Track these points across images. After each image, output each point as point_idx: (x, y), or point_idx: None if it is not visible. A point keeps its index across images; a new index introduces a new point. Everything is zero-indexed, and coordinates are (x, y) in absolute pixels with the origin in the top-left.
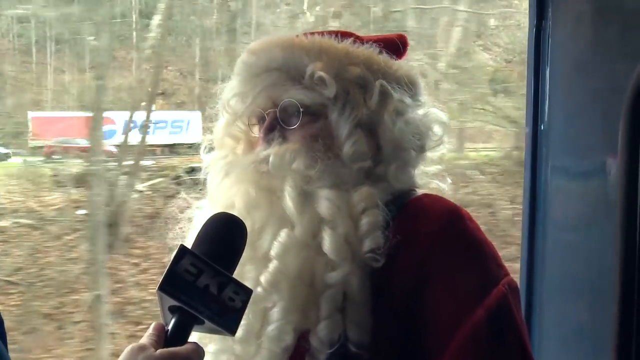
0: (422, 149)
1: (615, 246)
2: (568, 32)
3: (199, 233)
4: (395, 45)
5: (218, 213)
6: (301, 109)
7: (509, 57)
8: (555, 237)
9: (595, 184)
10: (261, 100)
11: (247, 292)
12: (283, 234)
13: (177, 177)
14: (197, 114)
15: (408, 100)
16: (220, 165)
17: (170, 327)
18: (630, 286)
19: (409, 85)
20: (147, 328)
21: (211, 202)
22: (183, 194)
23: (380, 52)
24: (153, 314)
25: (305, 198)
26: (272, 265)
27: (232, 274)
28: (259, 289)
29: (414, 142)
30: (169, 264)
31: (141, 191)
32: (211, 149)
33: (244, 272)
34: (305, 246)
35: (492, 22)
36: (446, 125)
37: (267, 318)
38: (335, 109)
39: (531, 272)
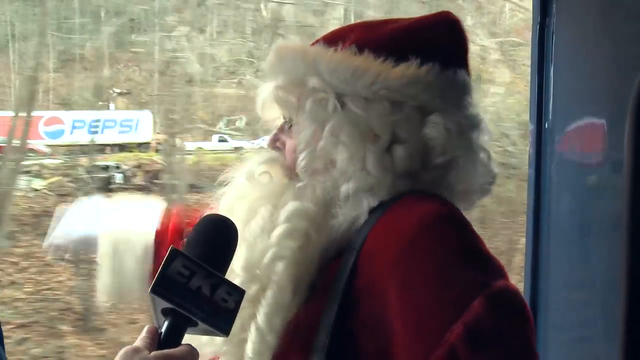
0: (408, 164)
1: (621, 244)
2: (572, 30)
3: (190, 235)
4: (423, 32)
5: (208, 215)
6: (284, 120)
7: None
8: (560, 236)
9: (600, 182)
10: (271, 110)
11: (239, 293)
12: None
13: (77, 175)
14: (147, 114)
15: (367, 112)
16: None
17: (163, 329)
18: (637, 286)
19: (406, 90)
20: (12, 328)
21: None
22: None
23: (360, 53)
24: (24, 313)
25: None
26: None
27: (224, 275)
28: None
29: (388, 159)
30: (160, 267)
31: (37, 190)
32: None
33: None
34: None
35: (469, 19)
36: (451, 134)
37: None
38: (299, 121)
39: (536, 272)
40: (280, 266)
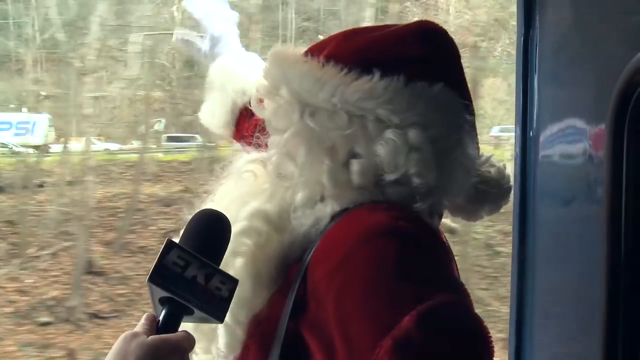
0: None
1: (602, 246)
2: (555, 41)
3: (185, 228)
4: (392, 44)
5: (203, 209)
6: None
7: None
8: (546, 241)
9: (583, 189)
10: None
11: (233, 282)
12: None
13: None
14: (44, 116)
15: (326, 124)
16: None
17: (161, 317)
18: (616, 285)
19: (362, 104)
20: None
21: None
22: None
23: (327, 63)
24: None
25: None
26: None
27: (219, 266)
28: None
29: (343, 173)
30: (157, 257)
31: None
32: None
33: None
34: None
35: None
36: (401, 151)
37: None
38: (271, 128)
39: (522, 273)
40: (239, 261)
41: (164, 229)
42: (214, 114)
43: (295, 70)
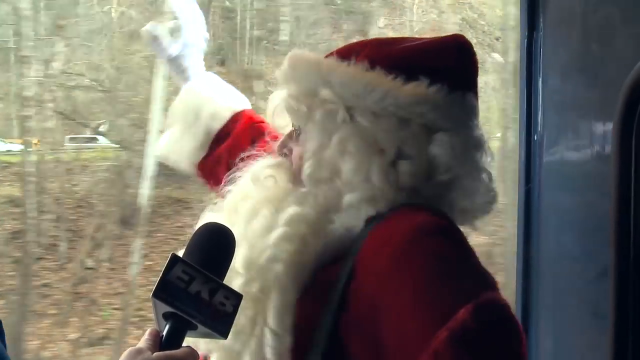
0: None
1: (610, 250)
2: (559, 44)
3: (189, 242)
4: (433, 54)
5: (207, 223)
6: (294, 128)
7: None
8: (550, 248)
9: (589, 192)
10: (281, 118)
11: (237, 297)
12: None
13: None
14: None
15: (375, 126)
16: None
17: (164, 332)
18: (624, 285)
19: (414, 108)
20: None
21: None
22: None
23: (372, 68)
24: None
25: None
26: None
27: (222, 281)
28: None
29: (392, 173)
30: (161, 272)
31: None
32: None
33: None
34: None
35: (382, 21)
36: (455, 153)
37: None
38: (307, 130)
39: (527, 287)
40: (279, 267)
41: (8, 229)
42: (182, 142)
43: (338, 74)
